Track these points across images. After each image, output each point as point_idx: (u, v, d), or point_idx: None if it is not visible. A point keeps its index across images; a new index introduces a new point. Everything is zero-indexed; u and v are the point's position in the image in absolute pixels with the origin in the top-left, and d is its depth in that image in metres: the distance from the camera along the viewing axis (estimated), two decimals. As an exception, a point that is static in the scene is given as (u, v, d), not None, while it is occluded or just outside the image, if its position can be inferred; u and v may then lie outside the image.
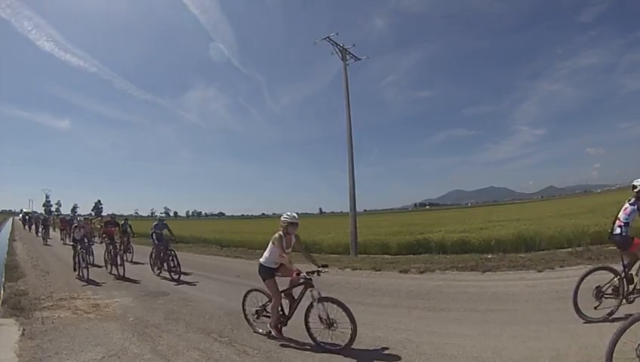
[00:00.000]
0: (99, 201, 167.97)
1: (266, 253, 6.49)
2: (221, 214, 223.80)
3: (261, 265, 6.47)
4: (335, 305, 5.89)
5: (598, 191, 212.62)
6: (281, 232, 6.35)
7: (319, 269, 6.19)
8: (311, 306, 6.04)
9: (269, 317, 6.55)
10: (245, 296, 7.08)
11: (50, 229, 30.00)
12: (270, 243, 6.43)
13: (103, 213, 77.92)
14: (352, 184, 19.82)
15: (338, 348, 5.72)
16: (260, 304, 6.78)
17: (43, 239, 26.97)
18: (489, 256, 13.83)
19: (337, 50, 20.51)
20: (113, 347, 6.06)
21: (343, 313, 5.75)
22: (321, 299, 5.95)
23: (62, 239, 27.45)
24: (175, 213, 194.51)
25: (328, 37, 20.22)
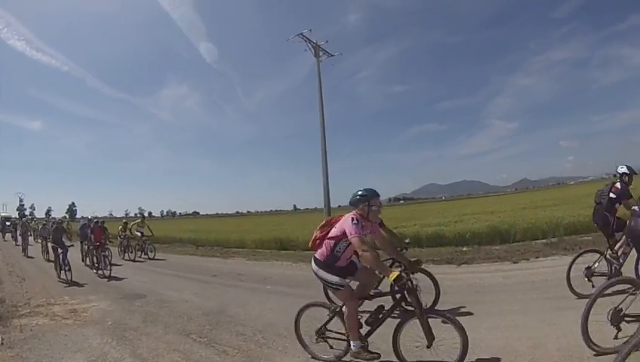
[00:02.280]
0: (73, 204, 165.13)
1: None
2: (196, 213, 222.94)
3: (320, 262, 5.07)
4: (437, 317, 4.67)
5: (572, 183, 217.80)
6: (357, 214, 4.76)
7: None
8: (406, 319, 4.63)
9: (332, 337, 5.19)
10: (299, 313, 5.53)
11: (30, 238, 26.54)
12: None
13: (78, 216, 76.39)
14: (326, 179, 19.94)
15: None
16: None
17: (23, 250, 22.36)
18: (464, 249, 14.02)
19: (310, 47, 20.57)
20: (93, 352, 5.96)
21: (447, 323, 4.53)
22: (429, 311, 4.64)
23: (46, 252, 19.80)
24: (150, 213, 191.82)
25: (301, 33, 20.27)
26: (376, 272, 5.20)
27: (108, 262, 13.43)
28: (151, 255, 18.39)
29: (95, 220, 16.05)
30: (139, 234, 18.76)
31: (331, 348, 5.20)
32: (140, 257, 18.20)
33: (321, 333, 5.21)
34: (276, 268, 13.90)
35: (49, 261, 16.50)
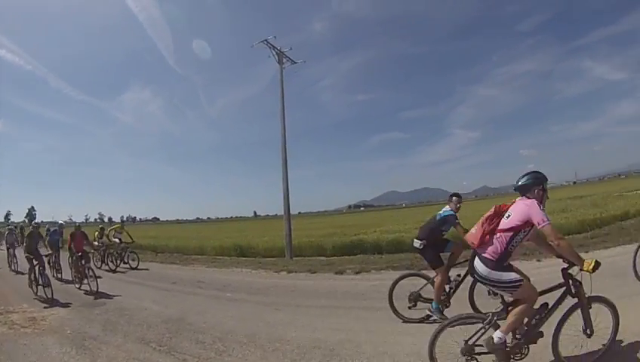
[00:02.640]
0: (32, 208, 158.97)
1: None
2: (156, 219, 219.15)
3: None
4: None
5: None
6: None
7: None
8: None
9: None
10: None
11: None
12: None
13: (37, 220, 72.97)
14: (286, 187, 20.00)
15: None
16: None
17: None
18: (424, 255, 14.21)
19: (274, 54, 20.67)
20: (52, 362, 5.94)
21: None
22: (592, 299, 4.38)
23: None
24: (109, 218, 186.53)
25: (266, 40, 20.33)
26: None
27: (93, 275, 11.64)
28: (133, 264, 16.80)
29: (76, 224, 13.83)
30: (117, 240, 17.30)
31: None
32: (119, 266, 16.48)
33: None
34: (236, 275, 13.97)
35: (17, 273, 15.47)
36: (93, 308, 9.53)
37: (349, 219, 56.49)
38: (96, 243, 16.80)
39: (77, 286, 12.27)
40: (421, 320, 6.70)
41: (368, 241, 17.96)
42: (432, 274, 7.11)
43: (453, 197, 7.55)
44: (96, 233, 17.88)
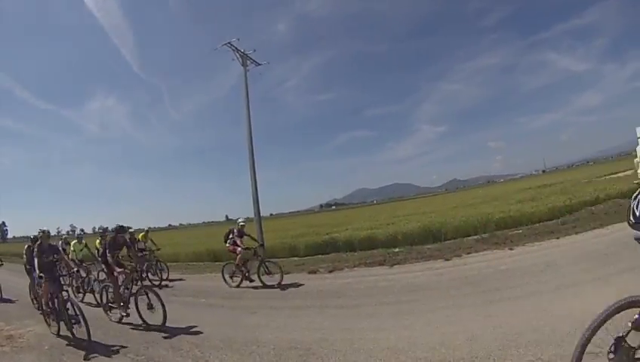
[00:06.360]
0: (3, 223, 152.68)
1: None
2: (128, 228, 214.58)
3: None
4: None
5: (502, 180, 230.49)
6: None
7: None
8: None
9: None
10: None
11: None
12: None
13: (9, 236, 69.21)
14: (255, 189, 19.88)
15: None
16: None
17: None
18: (396, 250, 14.43)
19: (238, 56, 20.47)
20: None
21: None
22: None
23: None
24: (82, 230, 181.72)
25: (229, 42, 20.12)
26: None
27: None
28: (163, 275, 14.35)
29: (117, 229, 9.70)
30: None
31: None
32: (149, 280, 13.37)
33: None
34: (210, 281, 13.91)
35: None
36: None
37: (320, 218, 56.47)
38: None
39: (108, 313, 9.28)
40: None
41: (340, 239, 17.98)
42: None
43: None
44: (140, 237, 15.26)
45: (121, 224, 9.72)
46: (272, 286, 11.04)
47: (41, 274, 7.84)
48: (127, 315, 8.55)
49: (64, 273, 8.99)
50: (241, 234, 12.15)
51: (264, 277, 11.37)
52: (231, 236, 12.19)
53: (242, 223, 12.40)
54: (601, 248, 9.38)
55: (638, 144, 18.64)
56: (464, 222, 16.76)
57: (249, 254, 11.78)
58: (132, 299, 8.44)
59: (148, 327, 7.86)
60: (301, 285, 10.97)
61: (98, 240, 13.97)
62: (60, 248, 11.08)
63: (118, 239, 9.26)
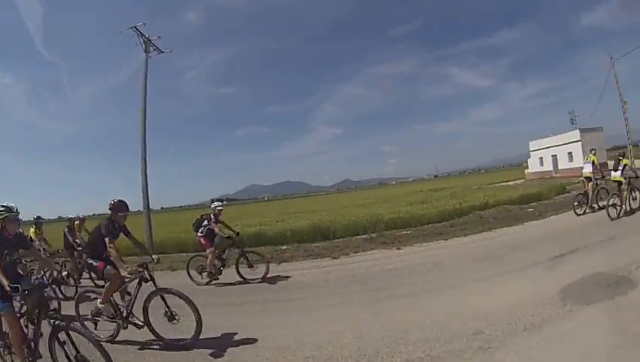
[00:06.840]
0: None
1: None
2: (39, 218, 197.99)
3: None
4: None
5: (394, 183, 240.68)
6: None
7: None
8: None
9: None
10: None
11: None
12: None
13: None
14: (145, 181, 18.87)
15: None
16: None
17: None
18: (284, 248, 14.36)
19: (142, 42, 19.39)
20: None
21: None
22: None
23: None
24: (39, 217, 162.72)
25: (135, 26, 18.98)
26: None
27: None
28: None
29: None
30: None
31: None
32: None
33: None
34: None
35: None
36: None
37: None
38: None
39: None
40: None
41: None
42: None
43: None
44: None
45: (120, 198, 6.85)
46: (160, 283, 10.25)
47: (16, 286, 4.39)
48: (125, 327, 6.25)
49: (48, 280, 7.50)
50: (217, 220, 10.47)
51: (244, 271, 9.92)
52: (205, 223, 10.36)
53: (220, 208, 10.59)
54: (488, 250, 9.90)
55: (529, 156, 20.24)
56: (354, 222, 16.98)
57: (228, 243, 10.21)
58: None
59: (166, 346, 5.92)
60: (186, 283, 10.07)
61: (32, 229, 12.43)
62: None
63: (118, 220, 6.72)
